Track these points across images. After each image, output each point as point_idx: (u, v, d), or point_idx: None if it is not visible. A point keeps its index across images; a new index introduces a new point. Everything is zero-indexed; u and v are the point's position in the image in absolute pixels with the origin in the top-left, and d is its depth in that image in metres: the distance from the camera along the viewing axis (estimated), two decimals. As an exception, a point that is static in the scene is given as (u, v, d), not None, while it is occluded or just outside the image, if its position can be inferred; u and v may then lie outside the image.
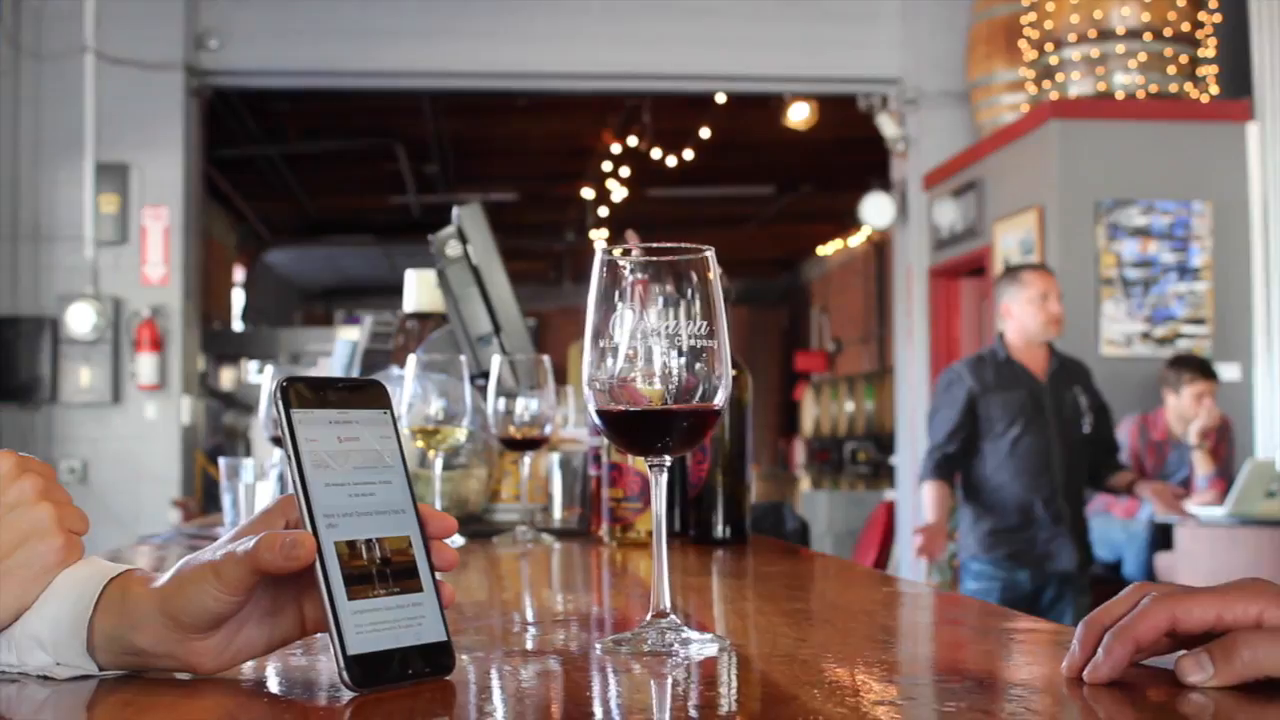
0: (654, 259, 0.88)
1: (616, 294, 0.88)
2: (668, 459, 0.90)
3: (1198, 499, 5.32)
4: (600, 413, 0.89)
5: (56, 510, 0.83)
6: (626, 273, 0.88)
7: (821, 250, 15.18)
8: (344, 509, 0.76)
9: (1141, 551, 5.30)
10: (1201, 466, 5.37)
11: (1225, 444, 5.52)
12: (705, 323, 0.88)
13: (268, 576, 0.75)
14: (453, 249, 2.28)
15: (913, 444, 7.89)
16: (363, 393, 0.80)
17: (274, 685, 0.80)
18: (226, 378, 10.93)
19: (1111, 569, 5.42)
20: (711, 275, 0.89)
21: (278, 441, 2.17)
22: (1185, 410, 5.44)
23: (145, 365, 7.07)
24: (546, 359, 1.93)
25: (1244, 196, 6.11)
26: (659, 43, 7.64)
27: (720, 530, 1.80)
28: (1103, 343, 6.00)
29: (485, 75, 7.72)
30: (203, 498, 7.62)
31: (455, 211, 2.31)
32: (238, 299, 13.41)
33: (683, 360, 0.87)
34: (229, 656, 0.79)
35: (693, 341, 0.87)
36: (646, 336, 0.87)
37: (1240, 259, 6.09)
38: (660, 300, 0.87)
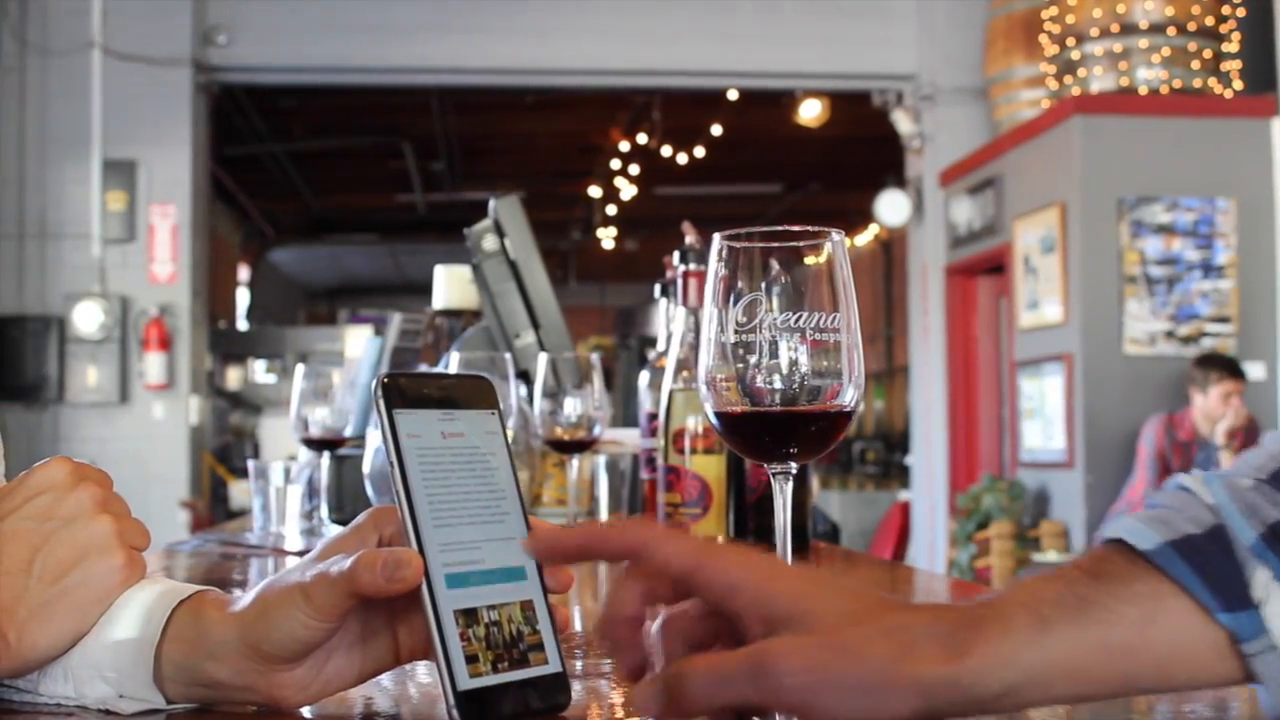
0: (778, 244, 0.79)
1: (735, 284, 0.79)
2: (793, 466, 0.81)
3: (1225, 500, 5.23)
4: (719, 415, 0.80)
5: (116, 524, 0.74)
6: (747, 260, 0.79)
7: (829, 249, 15.08)
8: None
9: (1168, 553, 5.21)
10: (1229, 467, 5.29)
11: (1253, 444, 5.42)
12: (836, 314, 0.79)
13: (363, 600, 0.66)
14: (489, 243, 2.19)
15: (927, 444, 7.81)
16: (469, 390, 0.72)
17: (368, 722, 0.71)
18: (233, 377, 10.84)
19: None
20: (841, 261, 0.80)
21: (308, 443, 2.08)
22: (1212, 410, 5.36)
23: (153, 365, 6.99)
24: (595, 357, 1.84)
25: (1269, 193, 6.02)
26: (670, 39, 7.55)
27: (781, 537, 1.71)
28: (1126, 341, 5.91)
29: (493, 71, 7.64)
30: (210, 499, 7.54)
31: (492, 204, 2.23)
32: (242, 298, 13.32)
33: (810, 355, 0.78)
34: (317, 689, 0.70)
35: (821, 335, 0.78)
36: (770, 329, 0.78)
37: (1265, 256, 6.00)
38: (785, 290, 0.79)
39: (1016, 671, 0.59)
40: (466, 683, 0.65)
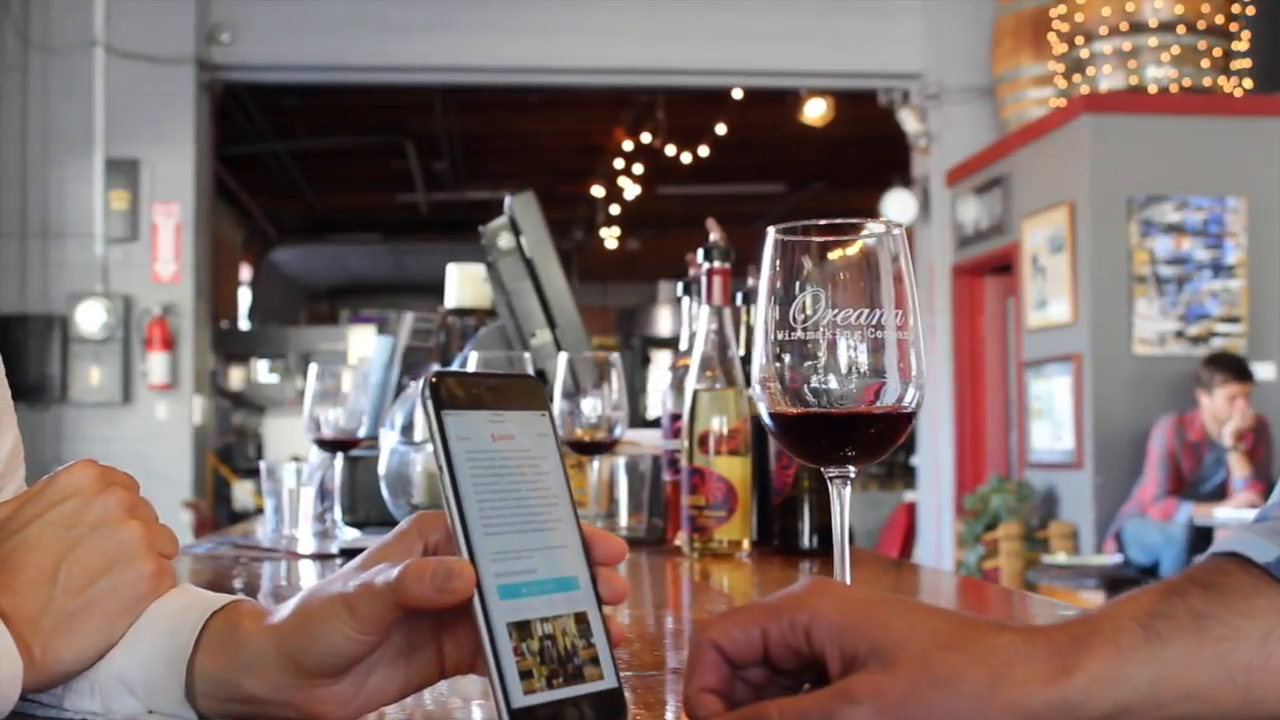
0: (835, 238, 0.76)
1: (791, 280, 0.76)
2: (852, 470, 0.78)
3: (1235, 501, 5.20)
4: (774, 416, 0.77)
5: (145, 530, 0.71)
6: (803, 255, 0.76)
7: (832, 249, 15.05)
8: None
9: (1179, 554, 5.18)
10: (1238, 468, 5.26)
11: (1263, 445, 5.40)
12: (898, 311, 0.75)
13: (410, 612, 0.63)
14: (505, 240, 2.16)
15: (934, 445, 7.77)
16: (519, 390, 0.68)
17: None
18: (235, 377, 10.81)
19: (1147, 572, 5.30)
20: (901, 254, 0.76)
21: (320, 443, 2.05)
22: (1219, 411, 5.33)
23: (156, 364, 6.96)
24: (615, 356, 1.81)
25: (1279, 192, 5.99)
26: (674, 37, 7.52)
27: (807, 540, 1.68)
28: (1135, 341, 5.88)
29: (496, 70, 7.61)
30: (214, 499, 7.51)
31: (507, 201, 2.19)
32: (244, 298, 13.28)
33: (871, 354, 0.75)
34: (358, 705, 0.66)
35: (881, 333, 0.75)
36: (828, 327, 0.75)
37: (1275, 256, 5.97)
38: (843, 285, 0.75)
39: (1128, 690, 0.55)
40: (521, 700, 0.61)
